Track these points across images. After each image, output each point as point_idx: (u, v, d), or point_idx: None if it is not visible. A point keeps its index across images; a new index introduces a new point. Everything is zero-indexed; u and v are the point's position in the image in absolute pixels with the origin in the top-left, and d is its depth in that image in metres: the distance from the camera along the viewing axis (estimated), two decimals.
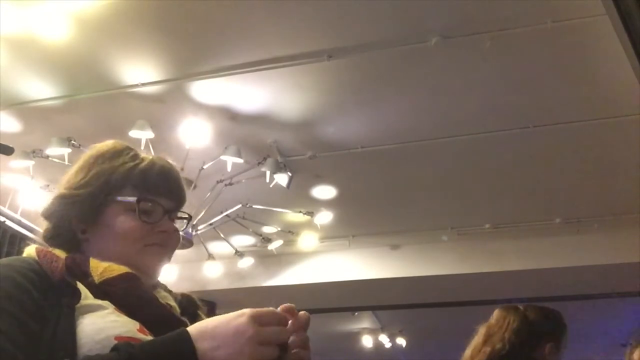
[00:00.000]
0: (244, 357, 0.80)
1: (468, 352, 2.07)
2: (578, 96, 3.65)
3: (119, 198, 1.03)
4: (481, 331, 2.09)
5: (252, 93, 3.71)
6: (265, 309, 0.85)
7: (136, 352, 0.78)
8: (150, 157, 1.10)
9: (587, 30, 3.12)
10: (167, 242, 1.06)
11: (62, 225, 1.03)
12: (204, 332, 0.82)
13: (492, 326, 2.08)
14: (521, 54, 3.34)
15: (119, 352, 0.78)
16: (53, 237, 1.04)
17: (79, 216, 1.02)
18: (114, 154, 1.08)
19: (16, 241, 4.28)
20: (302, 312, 0.91)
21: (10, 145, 1.86)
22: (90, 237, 1.03)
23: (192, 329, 0.83)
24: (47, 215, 1.05)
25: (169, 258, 1.08)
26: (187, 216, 1.14)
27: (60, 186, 1.07)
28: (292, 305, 0.90)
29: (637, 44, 2.46)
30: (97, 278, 0.94)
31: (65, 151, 3.83)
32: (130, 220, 1.02)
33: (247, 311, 0.83)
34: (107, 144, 1.11)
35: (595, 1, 2.66)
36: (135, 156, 1.08)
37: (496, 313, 2.12)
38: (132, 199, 1.03)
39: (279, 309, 0.88)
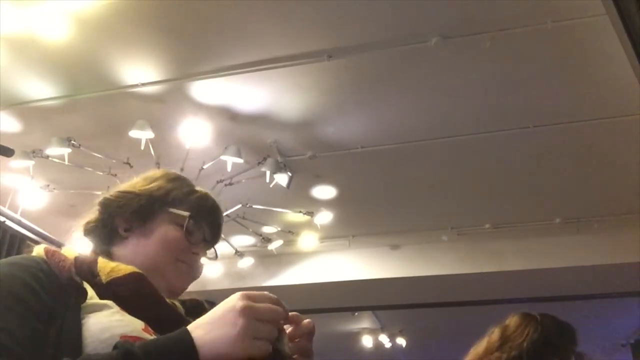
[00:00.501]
0: (237, 328, 0.79)
1: (480, 350, 2.05)
2: (578, 96, 3.65)
3: (173, 210, 1.10)
4: (496, 333, 2.07)
5: (252, 93, 3.71)
6: (260, 293, 0.86)
7: (135, 349, 0.78)
8: (206, 191, 1.18)
9: (587, 30, 3.13)
10: (195, 266, 1.12)
11: (111, 216, 1.09)
12: (200, 321, 0.83)
13: (509, 332, 2.06)
14: (521, 54, 3.34)
15: (117, 349, 0.78)
16: (95, 228, 1.10)
17: (131, 213, 1.09)
18: (177, 178, 1.17)
19: (16, 241, 4.28)
20: (306, 320, 0.92)
21: (11, 147, 1.86)
22: (130, 236, 1.08)
23: (190, 325, 0.83)
24: (105, 203, 1.11)
25: (189, 282, 1.13)
26: (214, 255, 1.20)
27: (126, 185, 1.15)
28: (296, 313, 0.91)
29: (637, 44, 2.46)
30: (104, 277, 0.95)
31: (65, 151, 3.83)
32: (175, 231, 1.09)
33: (238, 293, 0.84)
34: (173, 172, 1.22)
35: (595, 1, 2.66)
36: (192, 186, 1.18)
37: (515, 319, 2.10)
38: (186, 213, 1.10)
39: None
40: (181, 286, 1.10)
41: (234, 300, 0.82)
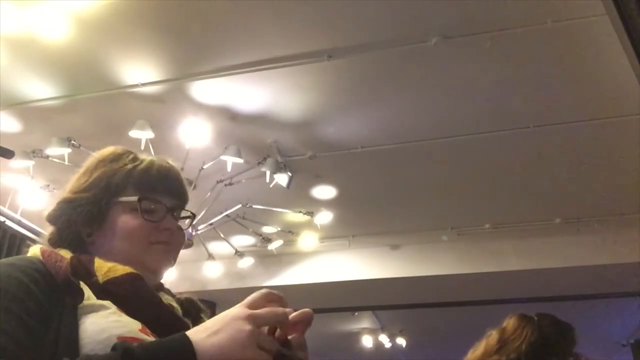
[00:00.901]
0: (242, 335, 0.80)
1: (478, 353, 2.05)
2: (578, 96, 3.65)
3: (121, 199, 1.05)
4: (494, 336, 2.07)
5: (252, 93, 3.71)
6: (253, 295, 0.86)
7: (134, 349, 0.78)
8: (150, 158, 1.11)
9: (587, 30, 3.12)
10: (172, 240, 1.07)
11: (68, 229, 1.05)
12: (201, 326, 0.83)
13: (507, 334, 2.06)
14: (521, 54, 3.34)
15: (116, 351, 0.78)
16: (59, 241, 1.05)
17: (84, 219, 1.04)
18: (115, 157, 1.10)
19: (16, 241, 4.28)
20: (304, 310, 0.92)
21: (11, 149, 1.86)
22: (95, 240, 1.05)
23: (191, 330, 0.83)
24: (52, 219, 1.07)
25: (175, 257, 1.09)
26: (190, 215, 1.16)
27: (64, 191, 1.09)
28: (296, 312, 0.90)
29: (637, 44, 2.46)
30: (101, 278, 0.95)
31: (65, 151, 3.83)
32: (134, 219, 1.04)
33: (243, 302, 0.85)
34: (108, 149, 1.13)
35: (595, 1, 2.66)
36: (135, 158, 1.10)
37: (513, 321, 2.10)
38: (134, 198, 1.04)
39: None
40: (164, 264, 1.06)
41: (238, 309, 0.83)
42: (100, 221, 1.04)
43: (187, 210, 1.15)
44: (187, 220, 1.16)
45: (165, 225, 1.06)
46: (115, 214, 1.04)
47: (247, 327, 0.80)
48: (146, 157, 1.11)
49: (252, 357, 0.79)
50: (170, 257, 1.08)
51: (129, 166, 1.08)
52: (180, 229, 1.10)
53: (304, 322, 0.91)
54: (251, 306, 0.84)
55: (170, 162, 1.14)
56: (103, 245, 1.03)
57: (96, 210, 1.04)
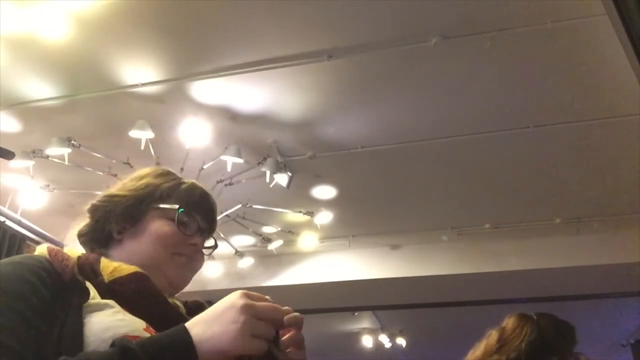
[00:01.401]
0: (237, 325, 0.80)
1: (478, 354, 2.05)
2: (578, 96, 3.65)
3: (162, 205, 1.10)
4: (494, 336, 2.07)
5: (252, 93, 3.71)
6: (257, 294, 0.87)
7: (132, 345, 0.78)
8: (192, 181, 1.19)
9: (587, 30, 3.12)
10: (194, 257, 1.11)
11: (103, 222, 1.09)
12: (199, 318, 0.83)
13: (507, 333, 2.06)
14: (521, 54, 3.34)
15: (115, 347, 0.79)
16: (88, 233, 1.10)
17: (121, 215, 1.09)
18: (163, 173, 1.18)
19: (16, 241, 4.28)
20: (295, 314, 0.92)
21: (11, 150, 1.86)
22: (125, 238, 1.08)
23: (188, 322, 0.84)
24: (93, 209, 1.11)
25: (191, 275, 1.13)
26: (213, 244, 1.20)
27: (113, 188, 1.15)
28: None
29: (637, 44, 2.46)
30: (107, 277, 0.96)
31: (65, 151, 3.83)
32: (167, 226, 1.08)
33: (238, 292, 0.85)
34: (154, 167, 1.21)
35: (595, 1, 2.66)
36: (180, 178, 1.18)
37: (512, 321, 2.09)
38: (175, 206, 1.10)
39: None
40: (182, 279, 1.09)
41: (235, 298, 0.83)
42: (135, 221, 1.09)
43: (214, 238, 1.19)
44: (209, 250, 1.19)
45: (193, 240, 1.10)
46: (152, 218, 1.09)
47: (242, 317, 0.80)
48: (189, 181, 1.18)
49: (246, 347, 0.80)
50: (189, 273, 1.11)
51: (176, 182, 1.15)
52: (202, 252, 1.14)
53: (296, 327, 0.91)
54: (252, 297, 0.84)
55: (210, 194, 1.20)
56: (130, 245, 1.07)
57: (135, 210, 1.09)
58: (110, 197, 1.11)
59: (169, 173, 1.18)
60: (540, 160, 4.33)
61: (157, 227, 1.08)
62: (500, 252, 5.33)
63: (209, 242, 1.18)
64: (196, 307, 1.09)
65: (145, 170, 1.18)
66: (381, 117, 3.94)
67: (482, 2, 3.00)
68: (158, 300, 0.97)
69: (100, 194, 1.15)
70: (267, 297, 0.87)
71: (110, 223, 1.09)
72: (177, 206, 1.10)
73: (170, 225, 1.08)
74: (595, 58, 3.33)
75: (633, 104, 3.58)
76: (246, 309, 0.81)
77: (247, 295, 0.84)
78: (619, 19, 2.35)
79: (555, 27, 3.08)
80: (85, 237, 1.10)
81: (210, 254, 1.20)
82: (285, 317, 0.87)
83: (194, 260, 1.11)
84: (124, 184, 1.15)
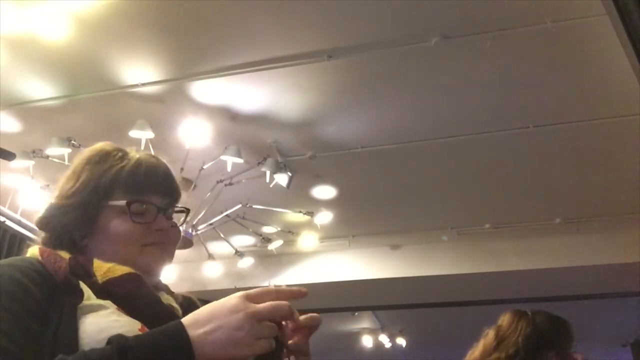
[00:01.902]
0: (242, 333, 0.79)
1: (476, 354, 2.05)
2: (578, 96, 3.65)
3: (110, 203, 1.03)
4: (491, 334, 2.07)
5: (252, 93, 3.71)
6: (257, 289, 0.85)
7: (130, 343, 0.78)
8: (138, 155, 1.09)
9: (587, 30, 3.12)
10: (166, 240, 1.06)
11: (60, 233, 1.03)
12: (198, 318, 0.82)
13: (503, 330, 2.06)
14: (521, 54, 3.33)
15: (112, 344, 0.78)
16: (51, 244, 1.04)
17: (74, 224, 1.03)
18: (102, 157, 1.08)
19: (16, 241, 4.28)
20: (313, 315, 0.92)
21: (12, 151, 1.85)
22: (89, 243, 1.03)
23: (186, 318, 0.83)
24: (42, 225, 1.06)
25: (171, 255, 1.08)
26: (184, 209, 1.14)
27: (53, 195, 1.08)
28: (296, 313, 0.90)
29: (637, 44, 2.46)
30: (100, 278, 0.95)
31: (65, 151, 3.83)
32: (124, 223, 1.02)
33: (240, 293, 0.84)
34: (96, 147, 1.11)
35: (595, 1, 2.66)
36: (123, 157, 1.08)
37: (507, 317, 2.10)
38: (122, 202, 1.03)
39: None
40: (159, 264, 1.05)
41: (237, 302, 0.82)
42: (91, 225, 1.03)
43: (181, 207, 1.13)
44: (182, 217, 1.15)
45: (157, 226, 1.05)
46: (106, 218, 1.03)
47: (246, 324, 0.80)
48: (134, 155, 1.09)
49: (252, 352, 0.80)
50: (166, 256, 1.06)
51: (116, 167, 1.06)
52: (174, 226, 1.09)
53: (311, 327, 0.91)
54: (252, 299, 0.83)
55: (159, 158, 1.12)
56: (97, 248, 1.02)
57: (86, 215, 1.03)
58: (56, 209, 1.05)
59: (108, 154, 1.08)
60: (540, 160, 4.33)
61: (114, 227, 1.02)
62: (500, 252, 5.33)
63: (178, 210, 1.11)
64: (189, 304, 1.08)
65: (83, 156, 1.09)
66: (381, 117, 3.94)
67: (482, 2, 3.00)
68: (151, 301, 0.96)
69: None
70: (267, 287, 0.87)
71: (68, 232, 1.03)
72: (124, 202, 1.03)
73: (126, 220, 1.02)
74: (595, 58, 3.33)
75: (633, 104, 3.58)
76: (251, 316, 0.80)
77: (248, 298, 0.83)
78: (619, 19, 2.35)
79: (555, 27, 3.08)
80: (52, 248, 1.02)
81: (185, 219, 1.14)
82: (302, 318, 0.88)
83: (167, 241, 1.06)
84: (65, 183, 1.07)
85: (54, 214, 1.04)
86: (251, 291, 0.84)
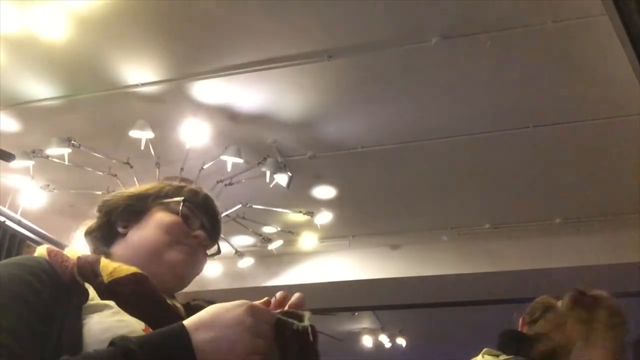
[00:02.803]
0: (241, 346, 0.81)
1: None
2: (578, 96, 3.65)
3: (166, 200, 1.12)
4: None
5: (252, 93, 3.71)
6: (262, 306, 0.87)
7: (133, 346, 0.78)
8: (196, 187, 1.21)
9: (587, 30, 3.13)
10: (196, 251, 1.11)
11: (110, 217, 1.11)
12: (201, 323, 0.83)
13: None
14: (521, 54, 3.34)
15: (115, 346, 0.78)
16: (95, 230, 1.12)
17: (126, 210, 1.11)
18: (170, 178, 1.22)
19: (16, 241, 4.27)
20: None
21: (11, 153, 1.86)
22: (129, 232, 1.09)
23: (189, 321, 0.83)
24: (101, 205, 1.14)
25: (191, 275, 1.12)
26: (217, 250, 1.19)
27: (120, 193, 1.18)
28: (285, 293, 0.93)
29: (637, 44, 2.46)
30: (106, 278, 0.95)
31: (65, 151, 3.83)
32: (171, 216, 1.09)
33: (245, 303, 0.85)
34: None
35: (595, 1, 2.66)
36: (185, 184, 1.21)
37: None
38: (179, 198, 1.12)
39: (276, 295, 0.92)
40: (184, 267, 1.08)
41: (242, 317, 0.83)
42: (140, 216, 1.10)
43: (217, 244, 1.19)
44: (212, 252, 1.19)
45: (196, 232, 1.11)
46: (156, 212, 1.11)
47: (253, 340, 0.82)
48: (194, 186, 1.20)
49: (252, 354, 0.82)
50: (190, 267, 1.10)
51: (179, 185, 1.18)
52: (204, 250, 1.14)
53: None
54: (257, 314, 0.85)
55: (216, 204, 1.21)
56: (133, 238, 1.08)
57: (140, 205, 1.11)
58: (117, 194, 1.15)
59: (174, 179, 1.23)
60: (540, 160, 4.33)
61: (161, 217, 1.09)
62: (500, 252, 5.33)
63: (213, 249, 1.18)
64: (195, 307, 1.08)
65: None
66: (381, 117, 3.94)
67: (482, 2, 3.00)
68: (157, 301, 0.97)
69: (99, 193, 1.16)
70: (273, 299, 0.89)
71: (117, 218, 1.11)
72: (181, 198, 1.12)
73: (174, 216, 1.10)
74: (595, 58, 3.33)
75: (633, 104, 3.58)
76: (255, 333, 0.83)
77: (252, 312, 0.84)
78: (619, 19, 2.35)
79: (555, 27, 3.08)
80: (92, 234, 1.12)
81: (213, 256, 1.19)
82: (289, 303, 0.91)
83: (196, 254, 1.11)
84: (136, 188, 1.18)
85: (113, 198, 1.14)
86: (257, 305, 0.86)
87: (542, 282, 5.34)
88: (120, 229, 1.10)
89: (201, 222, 1.13)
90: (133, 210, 1.11)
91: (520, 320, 2.12)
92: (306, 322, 0.87)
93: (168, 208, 1.11)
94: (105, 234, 1.11)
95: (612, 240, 5.01)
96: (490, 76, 3.53)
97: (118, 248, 1.08)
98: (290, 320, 0.86)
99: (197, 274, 1.14)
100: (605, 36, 2.98)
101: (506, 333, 2.01)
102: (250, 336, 0.82)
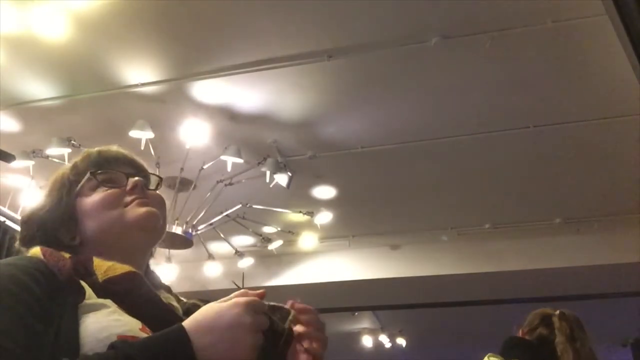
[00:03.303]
0: (243, 346, 0.81)
1: None
2: (578, 96, 3.65)
3: (78, 186, 1.05)
4: None
5: (252, 93, 3.71)
6: (256, 298, 0.87)
7: (133, 350, 0.78)
8: (93, 150, 1.12)
9: (587, 30, 3.12)
10: (146, 194, 1.05)
11: (50, 240, 1.02)
12: (201, 326, 0.82)
13: None
14: (521, 54, 3.34)
15: (116, 350, 0.78)
16: (42, 247, 1.01)
17: (59, 225, 1.03)
18: (63, 171, 1.11)
19: (16, 241, 4.27)
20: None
21: (11, 153, 1.86)
22: (81, 239, 1.03)
23: (188, 323, 0.83)
24: (27, 241, 1.04)
25: (162, 213, 1.06)
26: (157, 178, 1.13)
27: (33, 205, 1.09)
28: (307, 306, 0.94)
29: (637, 44, 2.46)
30: (100, 277, 0.94)
31: (65, 151, 3.83)
32: (97, 194, 1.03)
33: (241, 301, 0.84)
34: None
35: (595, 1, 2.66)
36: (86, 153, 1.11)
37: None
38: (87, 176, 1.05)
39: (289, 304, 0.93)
40: (149, 216, 1.03)
41: (241, 317, 0.83)
42: (73, 218, 1.03)
43: (153, 174, 1.12)
44: (156, 184, 1.12)
45: (129, 185, 1.05)
46: (81, 203, 1.04)
47: (253, 338, 0.82)
48: (91, 150, 1.12)
49: (251, 357, 0.82)
50: (153, 210, 1.04)
51: (77, 165, 1.09)
52: (151, 189, 1.08)
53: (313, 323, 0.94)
54: (253, 308, 0.85)
55: (117, 147, 1.13)
56: (89, 238, 1.02)
57: (63, 210, 1.04)
58: (31, 221, 1.05)
59: (65, 169, 1.10)
60: (540, 160, 4.33)
61: (90, 202, 1.03)
62: (500, 252, 5.33)
63: (153, 179, 1.11)
64: (193, 305, 1.07)
65: (64, 168, 1.12)
66: (381, 117, 3.94)
67: (482, 2, 3.00)
68: (152, 300, 0.96)
69: None
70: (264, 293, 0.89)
71: (57, 236, 1.02)
72: (87, 174, 1.05)
73: (99, 192, 1.03)
74: (595, 58, 3.33)
75: (633, 104, 3.58)
76: (254, 327, 0.83)
77: (250, 309, 0.84)
78: (619, 19, 2.35)
79: (555, 27, 3.08)
80: (46, 251, 0.99)
81: (159, 185, 1.12)
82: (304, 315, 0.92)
83: (148, 196, 1.05)
84: (45, 194, 1.09)
85: (34, 226, 1.04)
86: (252, 301, 0.86)
87: (542, 282, 5.35)
88: (70, 242, 1.02)
89: (122, 173, 1.07)
90: (62, 217, 1.03)
91: (520, 332, 2.15)
92: (286, 324, 0.89)
93: (88, 190, 1.04)
94: (60, 248, 1.00)
95: (612, 240, 5.01)
96: (490, 76, 3.53)
97: (87, 252, 1.02)
98: (274, 318, 0.88)
99: (166, 208, 1.08)
100: (605, 36, 2.98)
101: (509, 340, 2.05)
102: (251, 335, 0.82)
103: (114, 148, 1.11)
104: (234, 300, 0.85)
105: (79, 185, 1.05)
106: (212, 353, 0.80)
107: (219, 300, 0.87)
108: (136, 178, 1.05)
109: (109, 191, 1.03)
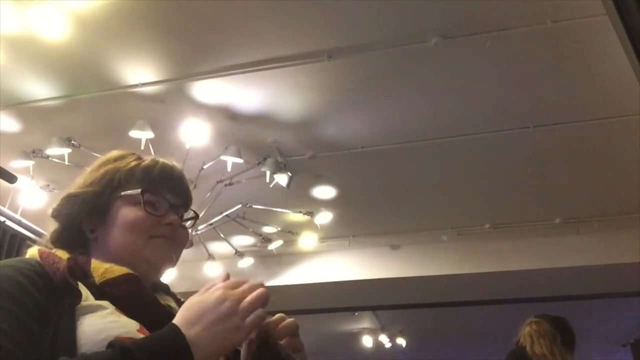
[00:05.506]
0: (233, 325, 0.84)
1: None
2: (578, 96, 3.66)
3: (124, 193, 1.05)
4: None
5: (252, 93, 3.71)
6: (230, 282, 0.90)
7: (131, 348, 0.78)
8: (153, 157, 1.12)
9: (587, 30, 3.12)
10: (174, 235, 1.07)
11: (71, 225, 1.05)
12: (190, 318, 0.84)
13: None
14: (521, 54, 3.34)
15: (113, 348, 0.78)
16: (61, 238, 1.06)
17: (87, 214, 1.05)
18: (119, 157, 1.11)
19: (16, 241, 4.27)
20: (290, 320, 0.95)
21: (14, 174, 1.86)
22: (98, 235, 1.05)
23: (177, 319, 0.85)
24: (56, 215, 1.07)
25: (177, 254, 1.08)
26: (193, 215, 1.15)
27: (70, 188, 1.09)
28: (281, 314, 0.95)
29: (637, 44, 2.46)
30: (98, 279, 0.95)
31: (65, 151, 3.83)
32: (135, 212, 1.04)
33: (219, 284, 0.89)
34: (113, 151, 1.14)
35: (595, 1, 2.66)
36: (139, 158, 1.11)
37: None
38: (137, 191, 1.05)
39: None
40: (162, 259, 1.05)
41: (220, 294, 0.86)
42: (103, 215, 1.05)
43: (191, 210, 1.14)
44: (190, 222, 1.14)
45: (167, 219, 1.05)
46: (118, 208, 1.04)
47: (235, 310, 0.84)
48: (149, 157, 1.12)
49: (244, 335, 0.86)
50: (172, 253, 1.06)
51: (133, 163, 1.09)
52: (183, 227, 1.10)
53: (291, 334, 0.94)
54: (232, 286, 0.87)
55: (175, 163, 1.14)
56: (105, 241, 1.03)
57: (99, 204, 1.05)
58: (70, 198, 1.06)
59: (125, 155, 1.11)
60: (540, 160, 4.33)
61: (125, 215, 1.03)
62: (500, 252, 5.33)
63: (188, 214, 1.13)
64: None
65: (101, 158, 1.12)
66: (381, 117, 3.94)
67: (482, 2, 3.00)
68: (149, 302, 0.96)
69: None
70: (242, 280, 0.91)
71: (79, 224, 1.05)
72: (138, 190, 1.04)
73: (139, 209, 1.03)
74: (595, 58, 3.33)
75: (633, 104, 3.58)
76: (237, 301, 0.85)
77: (228, 287, 0.87)
78: (619, 19, 2.35)
79: (555, 27, 3.08)
80: (59, 242, 1.05)
81: (193, 225, 1.15)
82: (280, 327, 0.92)
83: (175, 238, 1.07)
84: (84, 177, 1.09)
85: (68, 204, 1.06)
86: (229, 281, 0.89)
87: (542, 282, 5.35)
88: (88, 235, 1.05)
89: (168, 202, 1.07)
90: (94, 212, 1.05)
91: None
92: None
93: (129, 201, 1.04)
94: (74, 239, 1.05)
95: (612, 240, 5.01)
96: (491, 76, 3.53)
97: (94, 251, 1.04)
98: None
99: (183, 249, 1.10)
100: (605, 36, 2.98)
101: (513, 353, 2.06)
102: (237, 315, 0.84)
103: (177, 169, 1.12)
104: (213, 286, 0.88)
105: (125, 192, 1.05)
106: (205, 339, 0.82)
107: (199, 292, 0.89)
108: (175, 217, 1.06)
109: (144, 216, 1.03)
